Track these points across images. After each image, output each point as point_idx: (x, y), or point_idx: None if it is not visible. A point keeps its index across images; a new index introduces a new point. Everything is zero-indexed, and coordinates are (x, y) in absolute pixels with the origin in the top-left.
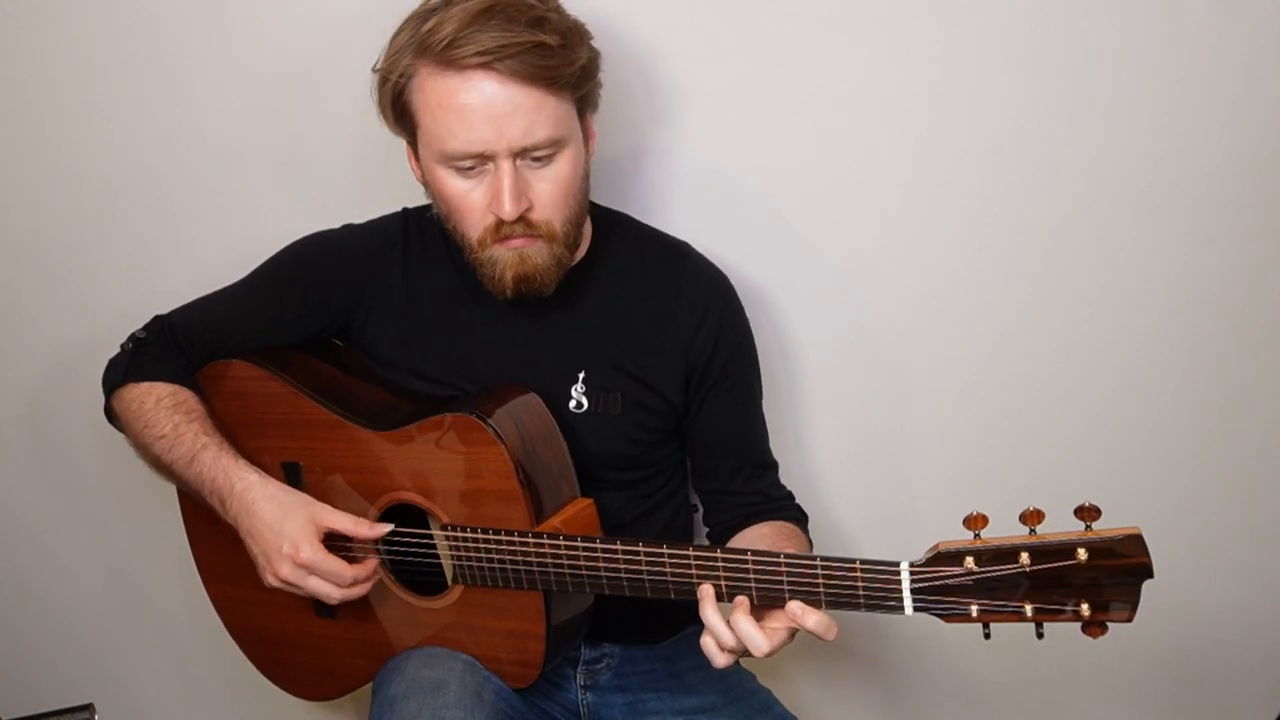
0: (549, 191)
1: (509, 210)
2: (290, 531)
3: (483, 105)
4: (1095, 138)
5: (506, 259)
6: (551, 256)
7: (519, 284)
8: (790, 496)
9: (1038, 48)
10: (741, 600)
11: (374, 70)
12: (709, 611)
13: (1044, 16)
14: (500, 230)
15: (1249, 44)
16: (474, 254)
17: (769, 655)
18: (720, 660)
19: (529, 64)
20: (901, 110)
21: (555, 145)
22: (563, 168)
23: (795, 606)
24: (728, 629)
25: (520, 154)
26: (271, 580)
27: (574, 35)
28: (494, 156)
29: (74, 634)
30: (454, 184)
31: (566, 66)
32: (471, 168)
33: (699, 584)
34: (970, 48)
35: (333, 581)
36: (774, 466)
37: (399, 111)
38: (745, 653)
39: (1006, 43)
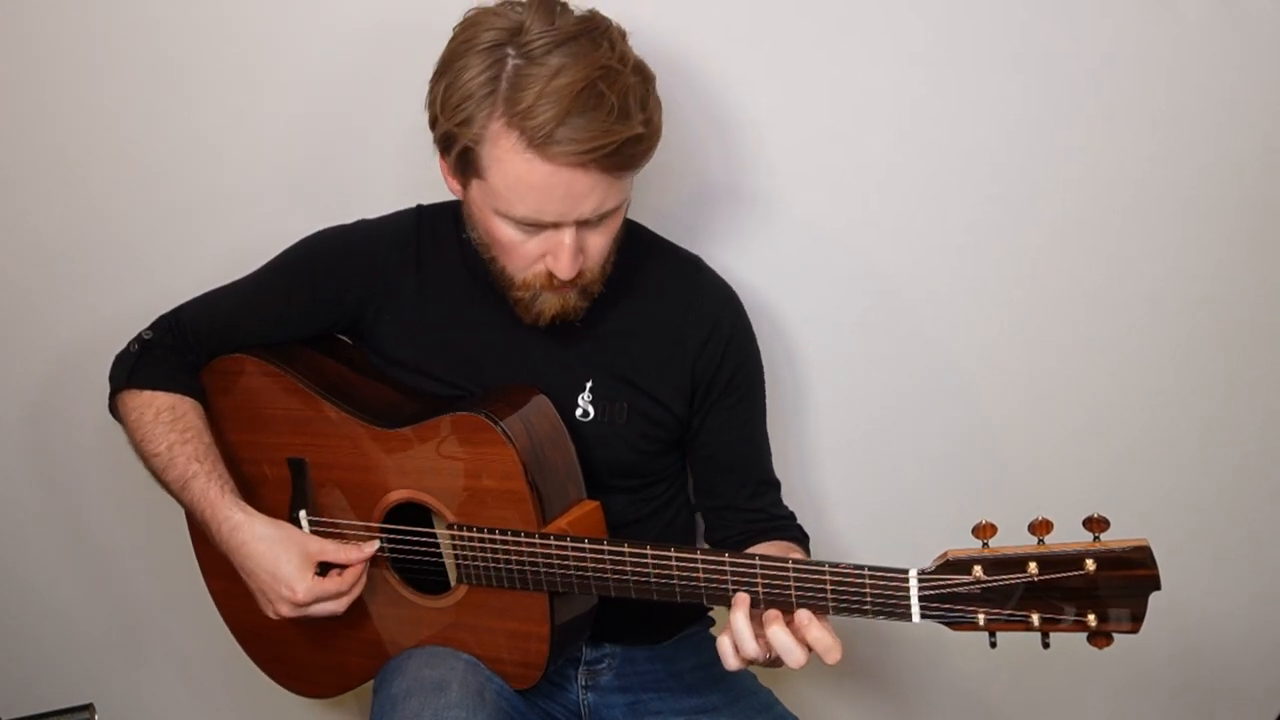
0: (600, 246)
1: (566, 274)
2: (285, 574)
3: (563, 184)
4: (1097, 140)
5: (549, 301)
6: (587, 296)
7: (555, 319)
8: (792, 517)
9: (1034, 50)
10: (775, 614)
11: (446, 110)
12: (739, 617)
13: (1041, 18)
14: (552, 281)
15: (1246, 44)
16: (515, 292)
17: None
18: (733, 663)
19: (622, 157)
20: (902, 120)
21: (619, 208)
22: (616, 221)
23: (803, 615)
24: (752, 639)
25: (584, 222)
26: (273, 616)
27: (652, 104)
28: (560, 226)
29: (74, 634)
30: (508, 232)
31: (648, 151)
32: (531, 228)
33: (710, 590)
34: (967, 54)
35: (334, 601)
36: (777, 485)
37: (464, 160)
38: (765, 663)
39: (1004, 47)
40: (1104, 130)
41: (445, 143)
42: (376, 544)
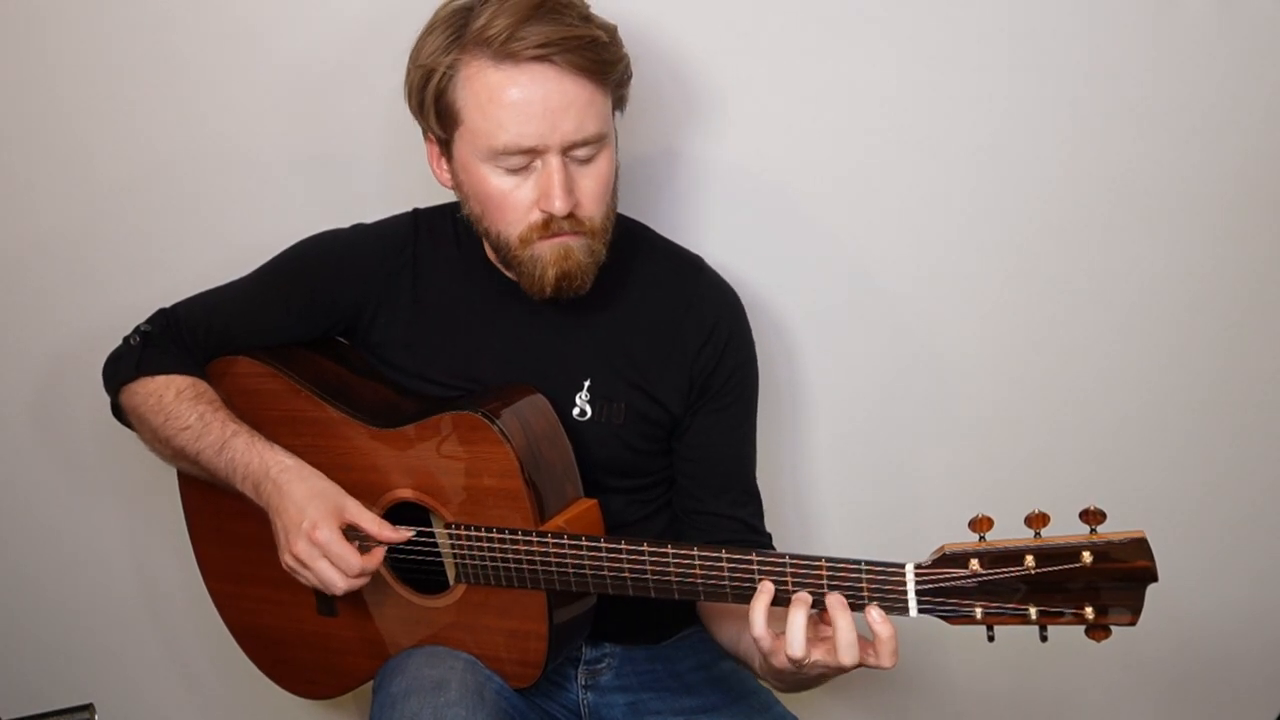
0: (592, 188)
1: (560, 206)
2: (313, 511)
3: (539, 98)
4: (1094, 138)
5: (549, 256)
6: (591, 254)
7: (560, 281)
8: (770, 538)
9: (1030, 48)
10: (804, 597)
11: (416, 66)
12: (758, 609)
13: (1037, 15)
14: (549, 226)
15: (1243, 44)
16: (514, 253)
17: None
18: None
19: (586, 57)
20: (900, 117)
21: (600, 142)
22: (603, 165)
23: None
24: (766, 631)
25: (568, 149)
26: (287, 559)
27: (616, 34)
28: (544, 152)
29: (74, 634)
30: (498, 182)
31: (615, 62)
32: (518, 167)
33: (707, 587)
34: (965, 52)
35: (341, 569)
36: (759, 498)
37: (441, 110)
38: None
39: (1000, 45)
40: (1100, 128)
41: (422, 106)
42: (410, 533)
